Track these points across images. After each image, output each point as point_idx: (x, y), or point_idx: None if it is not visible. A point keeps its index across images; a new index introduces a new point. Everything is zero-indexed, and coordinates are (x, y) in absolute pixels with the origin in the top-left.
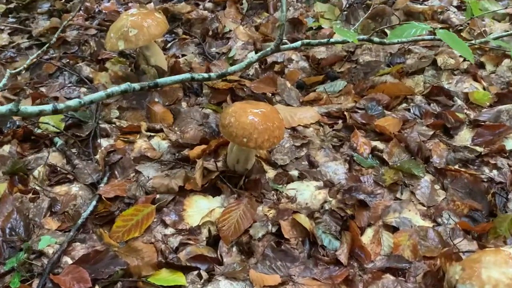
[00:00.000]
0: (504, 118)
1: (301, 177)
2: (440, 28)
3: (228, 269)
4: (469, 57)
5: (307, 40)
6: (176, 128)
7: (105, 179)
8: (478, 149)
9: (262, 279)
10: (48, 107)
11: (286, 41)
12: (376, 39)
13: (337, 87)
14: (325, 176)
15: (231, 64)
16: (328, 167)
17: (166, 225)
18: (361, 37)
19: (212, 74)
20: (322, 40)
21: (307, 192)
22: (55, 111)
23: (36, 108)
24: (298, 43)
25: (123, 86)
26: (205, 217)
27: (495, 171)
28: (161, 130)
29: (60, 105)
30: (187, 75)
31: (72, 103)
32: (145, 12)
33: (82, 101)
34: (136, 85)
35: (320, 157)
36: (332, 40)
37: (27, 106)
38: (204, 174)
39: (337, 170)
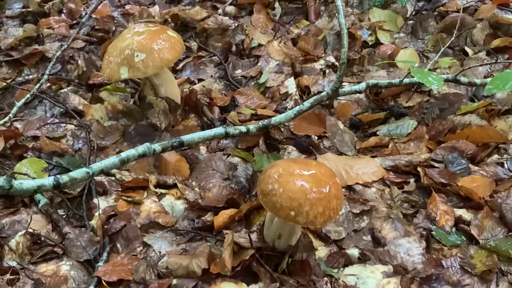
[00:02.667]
0: None
1: (362, 259)
2: None
3: None
4: None
5: (374, 81)
6: (194, 183)
7: (105, 254)
8: None
9: None
10: (48, 181)
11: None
12: (464, 79)
13: (405, 129)
14: (395, 258)
15: (263, 93)
16: (398, 246)
17: None
18: (444, 76)
19: (252, 127)
20: (393, 81)
21: (372, 281)
22: (57, 186)
23: (33, 183)
24: (363, 85)
25: (141, 148)
26: None
27: None
28: (174, 186)
29: (64, 178)
30: (220, 130)
31: (77, 174)
32: (154, 30)
33: (91, 171)
34: (157, 146)
35: (387, 231)
36: (407, 80)
37: (22, 181)
38: (234, 251)
39: (410, 250)
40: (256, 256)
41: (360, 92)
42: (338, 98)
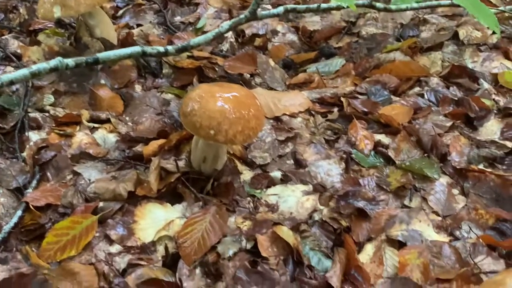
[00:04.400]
0: None
1: (285, 180)
2: None
3: None
4: (494, 27)
5: (293, 5)
6: (127, 118)
7: (34, 182)
8: (509, 144)
9: None
10: None
11: (267, 6)
12: (379, 4)
13: (334, 67)
14: (315, 178)
15: None
16: (319, 167)
17: (111, 241)
18: (361, 1)
19: (170, 48)
20: (311, 6)
21: (292, 199)
22: None
23: None
24: (280, 8)
25: (53, 62)
26: (162, 230)
27: None
28: (108, 121)
29: None
30: (136, 49)
31: None
32: None
33: (0, 81)
34: (70, 61)
35: (309, 155)
36: (324, 5)
37: None
38: (161, 177)
39: (330, 171)
40: (182, 179)
41: (278, 15)
42: (272, 40)
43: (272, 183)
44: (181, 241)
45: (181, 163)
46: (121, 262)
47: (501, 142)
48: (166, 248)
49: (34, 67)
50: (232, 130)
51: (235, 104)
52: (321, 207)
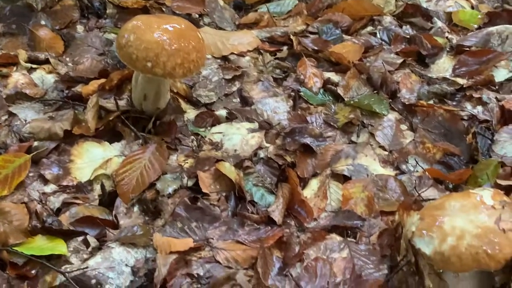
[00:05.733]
0: (494, 43)
1: (230, 118)
2: None
3: (125, 233)
4: None
5: None
6: (67, 59)
7: None
8: (460, 81)
9: (169, 244)
10: None
11: None
12: None
13: (286, 7)
14: (262, 116)
15: None
16: (265, 105)
17: (45, 181)
18: None
19: None
20: None
21: (237, 137)
22: None
23: None
24: None
25: None
26: (99, 169)
27: (479, 107)
28: (47, 62)
29: None
30: None
31: None
32: None
33: None
34: None
35: (256, 92)
36: None
37: None
38: (100, 116)
39: (277, 109)
40: (122, 118)
41: None
42: None
43: (217, 121)
44: (118, 179)
45: (122, 102)
46: (55, 201)
47: (453, 79)
48: (102, 186)
49: None
50: (171, 62)
51: (174, 36)
52: (267, 145)
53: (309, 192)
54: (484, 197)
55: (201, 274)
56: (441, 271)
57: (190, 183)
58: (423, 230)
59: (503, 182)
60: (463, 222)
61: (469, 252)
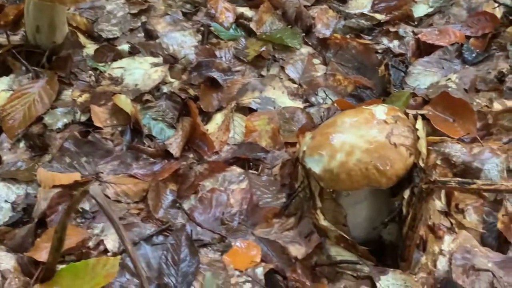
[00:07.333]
0: None
1: (133, 53)
2: None
3: (7, 168)
4: None
5: None
6: None
7: None
8: (378, 16)
9: (53, 178)
10: None
11: None
12: None
13: None
14: (167, 50)
15: None
16: (172, 39)
17: None
18: None
19: None
20: None
21: (139, 71)
22: None
23: None
24: None
25: None
26: None
27: (395, 42)
28: None
29: None
30: None
31: None
32: None
33: None
34: None
35: (162, 26)
36: None
37: None
38: None
39: (184, 43)
40: (12, 52)
41: None
42: None
43: (118, 56)
44: (4, 114)
45: (17, 38)
46: None
47: (371, 14)
48: None
49: None
50: None
51: None
52: (172, 80)
53: (213, 126)
54: (377, 112)
55: (87, 208)
56: (331, 190)
57: (83, 118)
58: (313, 149)
59: (412, 111)
60: (354, 137)
61: (359, 168)
